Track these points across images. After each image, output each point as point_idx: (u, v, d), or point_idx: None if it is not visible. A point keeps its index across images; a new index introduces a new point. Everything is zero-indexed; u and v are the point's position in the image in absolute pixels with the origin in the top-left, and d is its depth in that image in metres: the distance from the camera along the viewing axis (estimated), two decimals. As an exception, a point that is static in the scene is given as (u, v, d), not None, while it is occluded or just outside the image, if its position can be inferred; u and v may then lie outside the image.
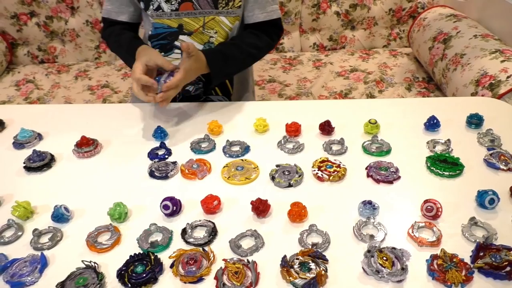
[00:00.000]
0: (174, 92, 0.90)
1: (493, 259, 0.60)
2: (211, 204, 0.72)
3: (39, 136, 0.96)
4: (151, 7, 1.04)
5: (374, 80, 1.78)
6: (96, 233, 0.70)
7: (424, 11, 1.94)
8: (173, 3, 1.03)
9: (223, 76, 1.08)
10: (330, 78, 1.85)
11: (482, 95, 1.33)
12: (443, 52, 1.61)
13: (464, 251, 0.63)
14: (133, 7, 1.09)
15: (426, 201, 0.70)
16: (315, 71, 1.92)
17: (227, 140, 0.90)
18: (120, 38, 1.08)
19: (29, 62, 2.15)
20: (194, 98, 1.14)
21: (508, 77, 1.28)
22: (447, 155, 0.81)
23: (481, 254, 0.61)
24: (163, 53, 1.10)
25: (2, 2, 1.99)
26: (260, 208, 0.70)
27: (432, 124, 0.90)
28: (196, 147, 0.89)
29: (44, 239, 0.70)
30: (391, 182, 0.77)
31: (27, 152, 0.89)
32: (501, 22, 1.58)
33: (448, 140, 0.86)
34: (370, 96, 1.69)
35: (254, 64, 1.19)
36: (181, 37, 1.08)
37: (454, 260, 0.61)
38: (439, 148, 0.85)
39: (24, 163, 0.87)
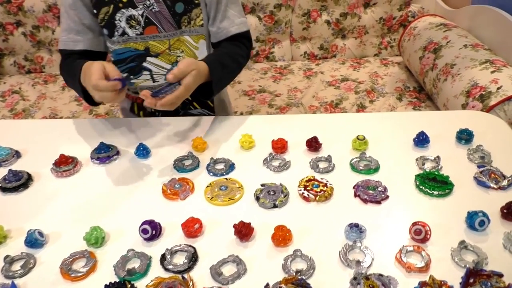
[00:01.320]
0: (172, 107, 0.85)
1: (484, 286, 0.57)
2: (192, 228, 0.69)
3: (17, 154, 0.92)
4: (116, 33, 1.02)
5: (365, 90, 1.76)
6: (70, 259, 0.66)
7: (414, 20, 1.93)
8: (137, 28, 1.02)
9: (220, 87, 1.05)
10: (321, 88, 1.83)
11: (473, 107, 1.31)
12: (434, 62, 1.60)
13: (453, 277, 0.60)
14: (91, 34, 1.04)
15: (414, 224, 0.67)
16: (305, 81, 1.90)
17: (211, 158, 0.87)
18: (69, 68, 0.99)
19: (15, 72, 2.12)
20: (172, 113, 1.10)
21: (498, 88, 1.27)
22: (436, 173, 0.79)
23: (471, 281, 0.59)
24: (132, 76, 1.09)
25: (-12, 12, 1.95)
26: (243, 232, 0.68)
27: (421, 140, 0.88)
28: (179, 165, 0.86)
29: (16, 266, 0.66)
30: (379, 202, 0.75)
31: (3, 171, 0.86)
32: (491, 32, 1.58)
33: (438, 157, 0.84)
34: (361, 106, 1.67)
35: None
36: (148, 58, 1.07)
37: (443, 287, 0.58)
38: (428, 165, 0.83)
39: (-1, 183, 0.84)
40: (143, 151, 0.89)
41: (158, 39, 1.05)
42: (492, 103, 1.24)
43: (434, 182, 0.77)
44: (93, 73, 0.81)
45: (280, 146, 0.88)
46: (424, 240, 0.66)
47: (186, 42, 1.08)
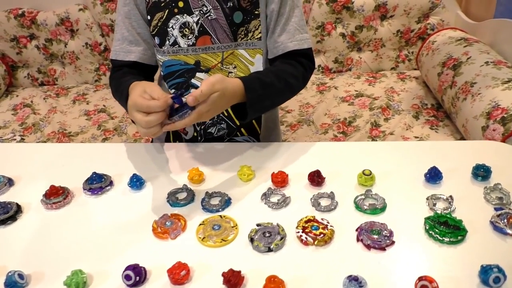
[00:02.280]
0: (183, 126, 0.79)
1: None
2: (178, 275, 0.64)
3: (10, 182, 0.90)
4: (167, 42, 0.97)
5: (380, 107, 1.69)
6: (49, 307, 0.63)
7: (433, 33, 1.85)
8: (189, 37, 0.96)
9: (259, 109, 0.93)
10: (333, 104, 1.77)
11: (494, 130, 1.23)
12: (453, 79, 1.52)
13: None
14: (144, 45, 1.00)
15: (420, 279, 0.61)
16: (318, 96, 1.84)
17: (206, 192, 0.82)
18: (120, 81, 0.94)
19: (29, 85, 2.14)
20: (217, 140, 1.06)
21: (522, 111, 1.19)
22: (448, 216, 0.72)
23: None
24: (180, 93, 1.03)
25: (2, 25, 1.98)
26: (232, 281, 0.63)
27: (433, 175, 0.81)
28: (172, 199, 0.82)
29: (-7, 312, 0.63)
30: (383, 249, 0.69)
31: (-6, 201, 0.83)
32: (516, 48, 1.49)
33: (450, 196, 0.77)
34: (375, 125, 1.60)
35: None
36: (198, 74, 1.01)
37: None
38: (440, 206, 0.76)
39: (-13, 215, 0.81)
40: (136, 183, 0.85)
41: (211, 52, 0.98)
42: (514, 127, 1.16)
43: (445, 227, 0.70)
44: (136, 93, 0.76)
45: (280, 180, 0.83)
46: (431, 297, 0.60)
47: (240, 57, 1.00)
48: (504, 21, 1.58)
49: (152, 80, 1.05)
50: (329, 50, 2.01)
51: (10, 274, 0.66)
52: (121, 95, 0.89)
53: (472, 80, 1.42)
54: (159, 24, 0.97)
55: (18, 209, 0.82)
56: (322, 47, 2.00)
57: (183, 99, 0.76)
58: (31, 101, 1.97)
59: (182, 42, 0.97)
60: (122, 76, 0.96)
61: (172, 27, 0.96)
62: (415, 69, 1.97)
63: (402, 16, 1.92)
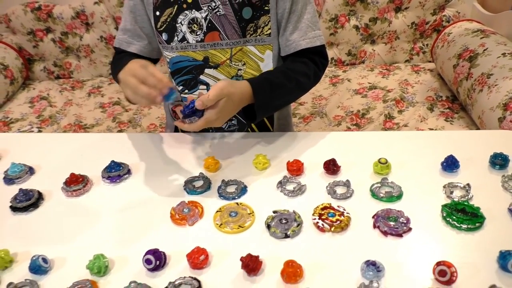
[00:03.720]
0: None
1: None
2: (197, 259, 0.66)
3: (31, 171, 0.92)
4: (176, 38, 0.98)
5: (394, 99, 1.68)
6: (72, 289, 0.64)
7: (449, 25, 1.83)
8: (198, 33, 0.96)
9: (268, 110, 0.94)
10: (347, 96, 1.76)
11: (511, 121, 1.22)
12: (469, 71, 1.50)
13: (481, 328, 0.54)
14: (146, 40, 1.03)
15: (438, 263, 0.61)
16: (331, 88, 1.84)
17: (223, 180, 0.83)
18: (121, 60, 0.96)
19: (45, 78, 2.16)
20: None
21: (539, 102, 1.17)
22: (466, 203, 0.72)
23: (502, 335, 0.53)
24: (186, 90, 1.05)
25: (19, 19, 2.01)
26: (250, 266, 0.64)
27: (450, 164, 0.81)
28: (189, 187, 0.83)
29: (19, 293, 0.65)
30: (400, 235, 0.69)
31: (15, 189, 0.85)
32: (533, 39, 1.47)
33: (468, 184, 0.77)
34: (389, 116, 1.60)
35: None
36: (207, 70, 1.01)
37: None
38: (457, 194, 0.76)
39: (10, 202, 0.83)
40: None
41: (219, 48, 0.98)
42: (532, 118, 1.14)
43: (463, 214, 0.70)
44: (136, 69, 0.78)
45: (295, 168, 0.84)
46: (450, 282, 0.60)
47: (249, 53, 1.00)
48: (521, 12, 1.56)
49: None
50: (342, 43, 2.00)
51: (34, 258, 0.68)
52: (119, 65, 0.87)
53: (489, 71, 1.41)
54: (168, 20, 0.97)
55: (40, 196, 0.84)
56: (335, 40, 1.99)
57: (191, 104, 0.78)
58: (48, 94, 2.00)
59: (190, 38, 0.97)
60: (124, 57, 0.99)
61: (181, 23, 0.96)
62: (430, 62, 1.95)
63: (417, 8, 1.90)
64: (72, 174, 0.85)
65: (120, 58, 1.00)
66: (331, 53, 2.01)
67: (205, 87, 1.03)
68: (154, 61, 1.08)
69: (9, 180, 0.89)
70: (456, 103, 1.63)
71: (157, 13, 0.97)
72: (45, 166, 0.94)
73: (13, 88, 1.99)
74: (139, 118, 1.76)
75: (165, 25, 0.98)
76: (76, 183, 0.84)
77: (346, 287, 0.62)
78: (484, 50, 1.51)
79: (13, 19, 2.00)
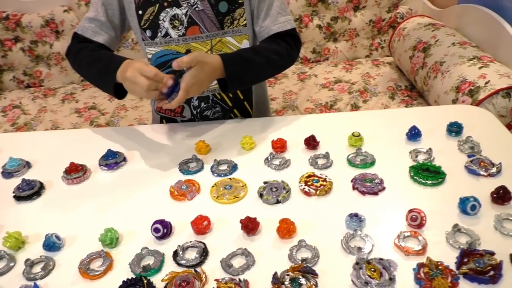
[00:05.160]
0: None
1: (477, 264, 0.62)
2: (201, 225, 0.73)
3: (28, 164, 0.96)
4: (159, 34, 1.05)
5: (358, 90, 1.81)
6: (88, 260, 0.70)
7: (403, 21, 1.99)
8: (179, 28, 1.04)
9: (240, 83, 1.01)
10: (315, 90, 1.88)
11: (463, 102, 1.36)
12: (423, 61, 1.65)
13: (449, 258, 0.65)
14: (114, 33, 1.08)
15: (410, 211, 0.72)
16: (300, 84, 1.95)
17: (215, 160, 0.91)
18: (97, 53, 1.02)
19: (15, 87, 2.16)
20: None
21: (486, 83, 1.32)
22: (429, 164, 0.84)
23: (465, 260, 0.63)
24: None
25: (-14, 30, 2.00)
26: (249, 226, 0.72)
27: (413, 134, 0.92)
28: (184, 168, 0.90)
29: (37, 268, 0.70)
30: (376, 194, 0.79)
31: (16, 181, 0.89)
32: (478, 29, 1.63)
33: (430, 149, 0.88)
34: (355, 106, 1.72)
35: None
36: None
37: (440, 267, 0.62)
38: (421, 157, 0.87)
39: (13, 192, 0.87)
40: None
41: (200, 41, 1.05)
42: (481, 97, 1.29)
43: (427, 173, 0.81)
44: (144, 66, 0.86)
45: (280, 145, 0.93)
46: (420, 225, 0.71)
47: (228, 43, 1.07)
48: (466, 7, 1.73)
49: None
50: (307, 41, 2.12)
51: (48, 235, 0.73)
52: (105, 68, 0.95)
53: (441, 59, 1.56)
54: (151, 18, 1.04)
55: (41, 186, 0.89)
56: (301, 39, 2.11)
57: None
58: (20, 102, 2.00)
59: (173, 33, 1.05)
60: (95, 48, 1.03)
61: (163, 19, 1.04)
62: (388, 56, 2.10)
63: (374, 6, 2.05)
64: (72, 163, 0.90)
65: (93, 50, 1.03)
66: (297, 51, 2.13)
67: None
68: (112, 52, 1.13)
69: (7, 174, 0.93)
70: (415, 91, 1.78)
71: (140, 12, 1.04)
72: (41, 160, 0.98)
73: (-16, 98, 1.98)
74: (116, 121, 1.80)
75: (148, 23, 1.05)
76: (76, 171, 0.90)
77: (334, 237, 0.71)
78: (436, 41, 1.66)
79: (-19, 30, 2.00)
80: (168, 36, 1.05)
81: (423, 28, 1.80)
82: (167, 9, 1.03)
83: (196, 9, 1.03)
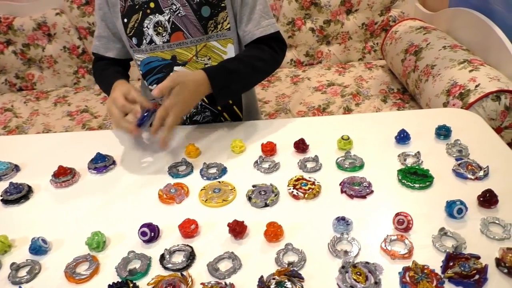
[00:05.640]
0: (166, 133, 0.89)
1: (462, 268, 0.62)
2: (188, 229, 0.73)
3: (16, 168, 0.96)
4: (144, 41, 1.05)
5: (350, 94, 1.82)
6: (74, 263, 0.70)
7: (395, 24, 2.00)
8: (163, 34, 1.04)
9: (227, 94, 1.01)
10: (307, 94, 1.88)
11: (453, 105, 1.37)
12: (415, 64, 1.66)
13: (435, 261, 0.65)
14: (120, 44, 1.11)
15: (397, 214, 0.72)
16: (293, 87, 1.95)
17: (204, 163, 0.91)
18: (103, 73, 1.09)
19: (7, 90, 2.15)
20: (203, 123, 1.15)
21: (476, 86, 1.33)
22: (417, 167, 0.84)
23: (451, 264, 0.63)
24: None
25: (-22, 32, 1.99)
26: (237, 229, 0.72)
27: (402, 137, 0.93)
28: (173, 171, 0.90)
29: (22, 272, 0.70)
30: (364, 197, 0.79)
31: (4, 185, 0.89)
32: (468, 33, 1.64)
33: (418, 152, 0.88)
34: (347, 109, 1.73)
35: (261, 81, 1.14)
36: (175, 68, 1.09)
37: (425, 271, 0.63)
38: (409, 161, 0.88)
39: (1, 196, 0.87)
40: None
41: (185, 46, 1.06)
42: (471, 101, 1.29)
43: (415, 176, 0.82)
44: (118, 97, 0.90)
45: (269, 149, 0.93)
46: (407, 229, 0.71)
47: (213, 48, 1.08)
48: (457, 10, 1.74)
49: (128, 70, 1.19)
50: (300, 45, 2.13)
51: (34, 239, 0.73)
52: (106, 87, 1.02)
53: (432, 63, 1.57)
54: (135, 26, 1.05)
55: (29, 189, 0.88)
56: (294, 42, 2.12)
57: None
58: (12, 106, 1.99)
59: (157, 40, 1.05)
60: (105, 67, 1.10)
61: (147, 27, 1.04)
62: (381, 59, 2.11)
63: (366, 10, 2.06)
64: (60, 167, 0.90)
65: (103, 70, 1.10)
66: (290, 54, 2.14)
67: None
68: (129, 61, 1.17)
69: (-5, 177, 0.93)
70: (407, 94, 1.79)
71: (125, 20, 1.05)
72: (30, 163, 0.98)
73: (-25, 101, 1.97)
74: (109, 124, 1.80)
75: (133, 30, 1.05)
76: (64, 175, 0.89)
77: (321, 240, 0.71)
78: (427, 44, 1.67)
79: (-28, 32, 1.99)
80: (153, 43, 1.05)
81: (414, 31, 1.81)
82: (150, 16, 1.04)
83: (179, 15, 1.03)
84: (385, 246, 0.68)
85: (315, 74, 2.03)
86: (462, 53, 1.53)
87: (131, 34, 1.05)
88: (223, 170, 0.89)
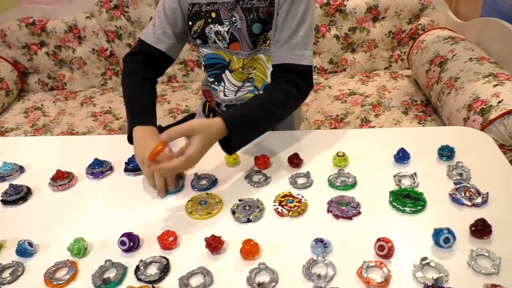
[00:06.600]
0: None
1: (438, 303, 0.58)
2: (166, 241, 0.73)
3: (21, 169, 1.00)
4: (209, 41, 1.09)
5: (371, 104, 1.77)
6: (54, 268, 0.72)
7: (423, 33, 1.93)
8: (223, 42, 1.08)
9: (244, 144, 0.92)
10: (327, 102, 1.85)
11: (474, 121, 1.30)
12: (439, 75, 1.59)
13: (411, 293, 0.62)
14: (174, 40, 1.10)
15: (379, 240, 0.69)
16: (313, 95, 1.92)
17: (195, 174, 0.91)
18: (130, 93, 1.04)
19: (39, 90, 2.25)
20: None
21: (499, 102, 1.25)
22: (410, 189, 0.80)
23: (427, 297, 0.60)
24: (216, 83, 1.17)
25: (14, 34, 2.10)
26: (213, 245, 0.71)
27: (401, 156, 0.89)
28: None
29: (6, 273, 0.72)
30: (350, 218, 0.77)
31: (6, 186, 0.93)
32: (499, 45, 1.56)
33: (415, 173, 0.84)
34: (365, 120, 1.68)
35: None
36: (226, 71, 1.13)
37: (399, 303, 0.60)
38: (405, 182, 0.84)
39: (1, 196, 0.90)
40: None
41: (240, 56, 1.09)
42: (492, 117, 1.23)
43: (407, 199, 0.78)
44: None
45: (262, 162, 0.91)
46: (388, 256, 0.68)
47: (259, 60, 1.09)
48: (488, 20, 1.65)
49: (163, 70, 1.15)
50: (324, 52, 2.09)
51: (20, 242, 0.75)
52: (129, 116, 1.00)
53: (456, 75, 1.49)
54: (198, 31, 1.08)
55: (28, 191, 0.92)
56: (317, 49, 2.09)
57: None
58: (42, 105, 2.08)
59: (219, 44, 1.09)
60: (134, 87, 1.05)
61: (209, 32, 1.08)
62: (408, 68, 2.04)
63: (394, 17, 2.00)
64: (58, 171, 0.93)
65: (131, 88, 1.05)
66: (314, 61, 2.10)
67: (223, 85, 1.16)
68: (172, 61, 1.15)
69: (0, 177, 0.97)
70: (430, 107, 1.71)
71: (190, 23, 1.09)
72: (34, 165, 1.02)
73: (8, 99, 2.07)
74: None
75: (197, 34, 1.09)
76: (61, 179, 0.92)
77: (297, 262, 0.69)
78: (454, 55, 1.60)
79: (8, 34, 2.10)
80: (217, 44, 1.09)
81: (442, 41, 1.74)
82: (210, 25, 1.06)
83: (237, 26, 1.04)
84: (362, 272, 0.65)
85: (337, 82, 1.99)
86: (489, 66, 1.46)
87: (195, 36, 1.09)
88: (213, 182, 0.89)
